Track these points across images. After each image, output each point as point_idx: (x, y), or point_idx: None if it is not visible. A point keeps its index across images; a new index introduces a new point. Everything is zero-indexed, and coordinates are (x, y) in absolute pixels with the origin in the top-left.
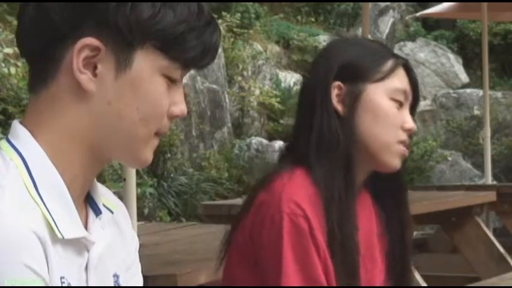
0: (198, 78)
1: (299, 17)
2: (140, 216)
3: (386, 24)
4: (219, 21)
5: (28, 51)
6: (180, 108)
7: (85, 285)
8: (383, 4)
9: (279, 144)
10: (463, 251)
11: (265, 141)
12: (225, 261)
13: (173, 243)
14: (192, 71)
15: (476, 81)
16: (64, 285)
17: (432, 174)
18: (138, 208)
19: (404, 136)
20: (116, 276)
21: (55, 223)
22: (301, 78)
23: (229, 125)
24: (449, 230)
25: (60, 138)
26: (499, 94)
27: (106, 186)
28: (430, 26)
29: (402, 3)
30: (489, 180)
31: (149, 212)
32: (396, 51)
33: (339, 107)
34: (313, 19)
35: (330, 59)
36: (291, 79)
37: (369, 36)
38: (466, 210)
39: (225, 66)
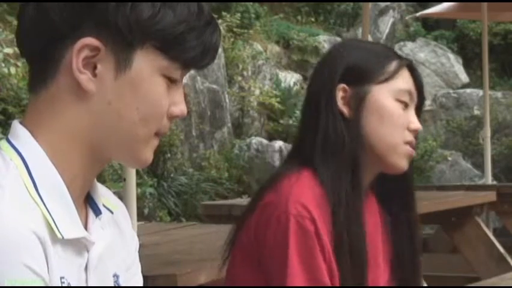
0: (198, 78)
1: (299, 17)
2: (140, 216)
3: (386, 24)
4: (219, 21)
5: (28, 51)
6: (180, 108)
7: (84, 285)
8: (383, 4)
9: (279, 144)
10: (463, 251)
11: (265, 141)
12: (229, 260)
13: (173, 243)
14: (192, 71)
15: (476, 81)
16: (63, 285)
17: (432, 174)
18: (138, 208)
19: (410, 137)
20: (116, 276)
21: (55, 223)
22: (301, 79)
23: (229, 125)
24: (449, 230)
25: (60, 138)
26: (499, 94)
27: (106, 186)
28: (430, 26)
29: (402, 3)
30: (489, 180)
31: (149, 212)
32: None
33: (344, 110)
34: (313, 19)
35: (334, 62)
36: (291, 79)
37: (369, 36)
38: (466, 210)
39: (225, 66)
